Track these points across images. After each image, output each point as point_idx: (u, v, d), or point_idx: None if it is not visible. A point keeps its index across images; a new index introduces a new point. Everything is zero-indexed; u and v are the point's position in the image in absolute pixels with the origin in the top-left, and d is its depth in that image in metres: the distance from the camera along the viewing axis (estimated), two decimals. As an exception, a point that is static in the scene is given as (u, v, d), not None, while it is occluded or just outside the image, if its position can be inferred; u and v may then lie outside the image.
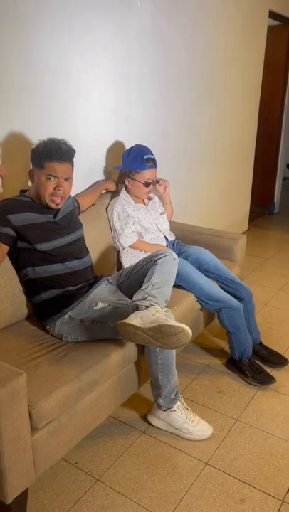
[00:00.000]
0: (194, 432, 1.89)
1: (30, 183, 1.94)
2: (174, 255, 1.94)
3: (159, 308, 1.69)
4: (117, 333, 1.70)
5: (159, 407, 1.91)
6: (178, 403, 1.90)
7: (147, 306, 1.68)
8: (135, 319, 1.62)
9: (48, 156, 1.81)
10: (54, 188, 1.84)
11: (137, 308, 1.70)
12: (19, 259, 1.85)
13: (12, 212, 1.82)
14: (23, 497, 1.48)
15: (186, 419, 1.89)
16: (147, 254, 2.28)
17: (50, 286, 1.85)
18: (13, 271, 1.87)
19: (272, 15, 4.24)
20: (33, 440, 1.43)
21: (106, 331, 1.76)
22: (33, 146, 1.89)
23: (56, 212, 1.93)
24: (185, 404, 1.94)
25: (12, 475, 1.36)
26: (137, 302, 1.72)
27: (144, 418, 2.00)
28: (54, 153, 1.81)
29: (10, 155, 2.04)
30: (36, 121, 2.13)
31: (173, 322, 1.59)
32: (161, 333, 1.57)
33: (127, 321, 1.61)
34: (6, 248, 1.81)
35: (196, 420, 1.91)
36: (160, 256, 1.90)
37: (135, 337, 1.61)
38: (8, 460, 1.34)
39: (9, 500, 1.40)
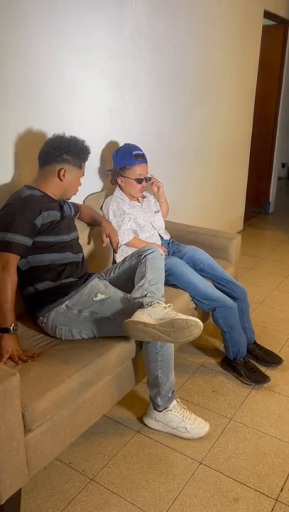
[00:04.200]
0: (191, 430, 1.89)
1: (30, 178, 1.93)
2: (160, 251, 1.99)
3: (165, 305, 1.71)
4: (117, 326, 1.71)
5: (156, 407, 1.90)
6: (174, 402, 1.90)
7: (153, 303, 1.69)
8: (143, 316, 1.62)
9: (85, 159, 1.95)
10: None
11: (140, 305, 1.71)
12: None
13: (37, 214, 1.79)
14: (16, 497, 1.47)
15: (182, 418, 1.89)
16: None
17: (46, 277, 1.83)
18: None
19: (268, 15, 4.25)
20: (26, 440, 1.42)
21: (105, 322, 1.76)
22: (59, 144, 1.87)
23: (62, 210, 1.95)
24: (181, 402, 1.94)
25: (5, 475, 1.36)
26: (140, 300, 1.73)
27: (140, 420, 1.99)
28: (88, 155, 1.96)
29: (8, 155, 2.03)
30: (32, 120, 2.12)
31: (185, 316, 1.61)
32: (173, 328, 1.58)
33: (135, 318, 1.61)
34: (17, 258, 1.74)
35: (193, 418, 1.91)
36: (148, 252, 1.94)
37: (143, 334, 1.61)
38: (0, 460, 1.33)
39: (2, 501, 1.39)
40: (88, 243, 2.28)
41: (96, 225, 2.29)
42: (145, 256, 1.92)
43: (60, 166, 1.87)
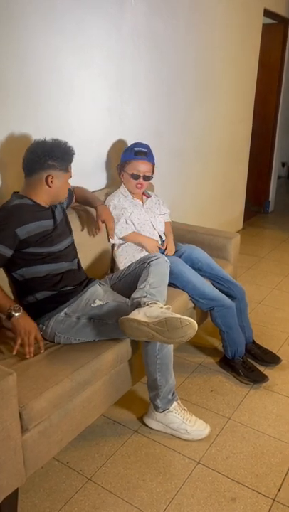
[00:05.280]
0: (192, 432, 1.88)
1: (20, 185, 1.93)
2: (166, 258, 1.98)
3: (162, 305, 1.71)
4: (115, 331, 1.70)
5: (156, 408, 1.90)
6: (175, 404, 1.89)
7: (150, 302, 1.69)
8: (138, 315, 1.62)
9: (70, 160, 1.87)
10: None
11: (138, 305, 1.71)
12: (13, 261, 1.79)
13: (20, 224, 1.75)
14: (13, 497, 1.47)
15: (183, 420, 1.88)
16: (142, 254, 2.29)
17: (44, 287, 1.82)
18: (1, 271, 1.84)
19: (267, 13, 4.23)
20: (24, 440, 1.42)
21: (103, 328, 1.75)
22: (42, 151, 1.79)
23: (54, 217, 1.91)
24: (181, 404, 1.93)
25: (2, 475, 1.36)
26: (139, 299, 1.73)
27: (141, 421, 1.99)
28: (72, 157, 1.87)
29: (8, 154, 2.03)
30: (32, 120, 2.12)
31: (179, 315, 1.60)
32: (166, 327, 1.58)
33: (131, 316, 1.62)
34: None
35: (193, 420, 1.91)
36: (153, 258, 1.94)
37: (138, 333, 1.61)
38: (-3, 460, 1.33)
39: (-1, 500, 1.39)
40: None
41: (90, 206, 2.23)
42: (150, 262, 1.93)
43: (47, 173, 1.80)
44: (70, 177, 1.92)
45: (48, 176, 1.81)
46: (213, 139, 3.80)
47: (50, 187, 1.83)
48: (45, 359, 1.65)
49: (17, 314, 1.66)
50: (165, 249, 2.42)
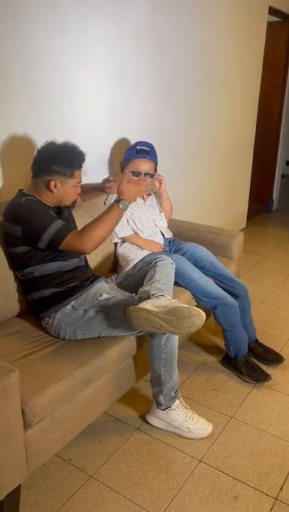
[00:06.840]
0: (194, 431, 1.88)
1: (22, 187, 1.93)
2: (171, 260, 1.98)
3: (170, 297, 1.71)
4: (122, 324, 1.70)
5: (159, 405, 1.90)
6: (177, 401, 1.89)
7: (158, 295, 1.70)
8: (147, 305, 1.63)
9: (77, 166, 1.80)
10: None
11: (146, 297, 1.71)
12: (21, 258, 1.79)
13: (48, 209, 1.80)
14: (15, 493, 1.47)
15: (185, 418, 1.88)
16: (144, 252, 2.29)
17: (53, 284, 1.81)
18: (8, 267, 1.84)
19: (272, 11, 4.22)
20: (26, 437, 1.43)
21: (110, 321, 1.75)
22: (46, 154, 1.75)
23: (62, 215, 1.90)
24: (184, 402, 1.93)
25: (4, 471, 1.36)
26: (147, 291, 1.73)
27: (143, 418, 1.99)
28: (82, 162, 1.82)
29: (10, 153, 2.03)
30: (35, 118, 2.12)
31: (187, 305, 1.61)
32: (175, 316, 1.58)
33: (140, 306, 1.62)
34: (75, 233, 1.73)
35: (196, 418, 1.91)
36: (159, 259, 1.94)
37: (146, 322, 1.61)
38: (0, 457, 1.33)
39: (1, 497, 1.39)
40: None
41: (95, 191, 2.24)
42: (156, 262, 1.93)
43: (50, 178, 1.75)
44: (79, 182, 1.85)
45: (50, 180, 1.75)
46: (217, 137, 3.79)
47: (53, 192, 1.78)
48: (48, 356, 1.65)
49: (121, 204, 1.77)
50: (170, 250, 2.43)
